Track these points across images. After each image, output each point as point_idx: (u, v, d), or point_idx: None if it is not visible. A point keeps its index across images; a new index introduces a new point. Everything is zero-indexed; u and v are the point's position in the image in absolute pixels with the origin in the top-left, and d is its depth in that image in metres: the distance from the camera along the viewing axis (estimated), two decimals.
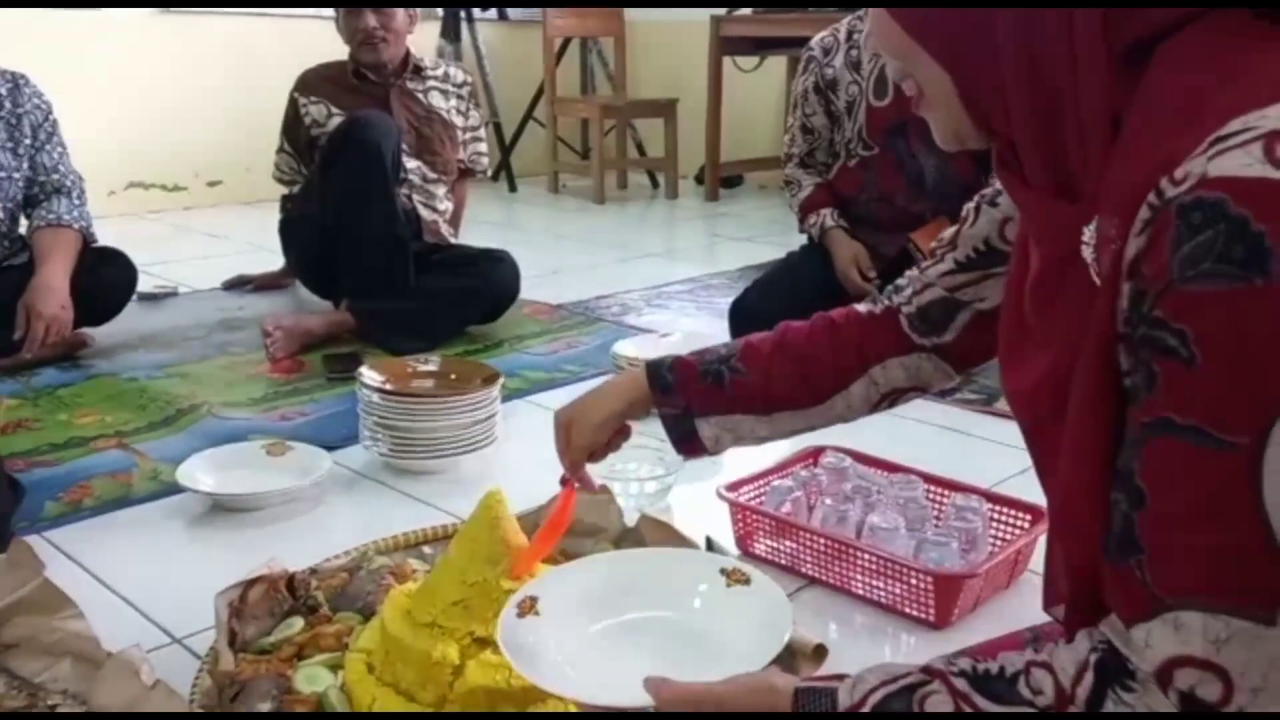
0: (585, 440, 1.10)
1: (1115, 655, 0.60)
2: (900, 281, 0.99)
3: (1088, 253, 0.64)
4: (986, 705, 0.61)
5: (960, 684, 0.63)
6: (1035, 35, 0.62)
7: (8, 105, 2.28)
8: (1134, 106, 0.61)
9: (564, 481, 1.13)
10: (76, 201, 2.36)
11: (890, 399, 1.00)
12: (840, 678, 0.69)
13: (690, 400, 1.01)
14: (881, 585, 1.31)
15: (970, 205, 0.93)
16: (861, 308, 1.01)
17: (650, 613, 0.95)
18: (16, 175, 2.29)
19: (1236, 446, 0.54)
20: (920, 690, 0.64)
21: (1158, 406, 0.57)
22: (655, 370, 1.03)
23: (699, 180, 5.04)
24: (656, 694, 0.74)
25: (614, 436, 1.11)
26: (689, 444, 1.04)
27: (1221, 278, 0.53)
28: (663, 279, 3.24)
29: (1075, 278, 0.65)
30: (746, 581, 0.93)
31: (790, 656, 1.04)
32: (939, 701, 0.63)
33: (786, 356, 0.99)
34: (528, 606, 0.93)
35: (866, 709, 0.64)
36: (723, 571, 0.95)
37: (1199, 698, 0.56)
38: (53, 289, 2.18)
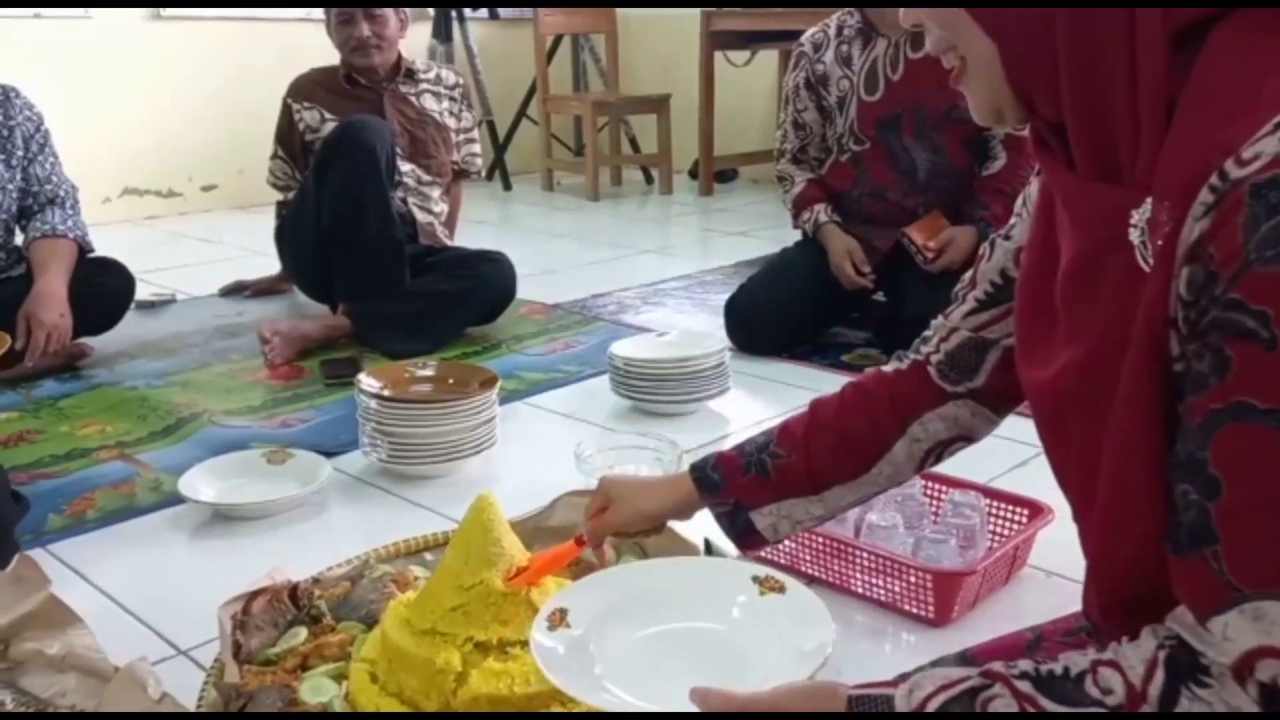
0: (624, 523, 1.08)
1: (1186, 650, 0.58)
2: (926, 333, 0.98)
3: (1135, 236, 0.62)
4: (1053, 707, 0.60)
5: (1024, 686, 0.61)
6: (1095, 11, 0.60)
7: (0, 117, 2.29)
8: (1187, 92, 0.59)
9: (579, 541, 1.11)
10: (70, 212, 2.37)
11: (936, 453, 0.98)
12: (894, 684, 0.68)
13: (740, 496, 1.01)
14: (881, 583, 1.32)
15: (985, 244, 0.92)
16: (888, 368, 0.99)
17: (688, 624, 0.93)
18: (10, 187, 2.29)
19: None
20: (983, 694, 0.62)
21: (1233, 391, 0.55)
22: (700, 472, 1.04)
23: (693, 175, 5.04)
24: (703, 702, 0.72)
25: (650, 530, 1.12)
26: (748, 538, 1.04)
27: None
28: (658, 276, 3.25)
29: (1116, 266, 0.64)
30: (781, 590, 0.91)
31: None
32: (1003, 704, 0.61)
33: (823, 432, 0.98)
34: (558, 619, 0.92)
35: (929, 711, 0.63)
36: (755, 579, 0.94)
37: None
38: (52, 297, 2.18)
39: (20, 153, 2.31)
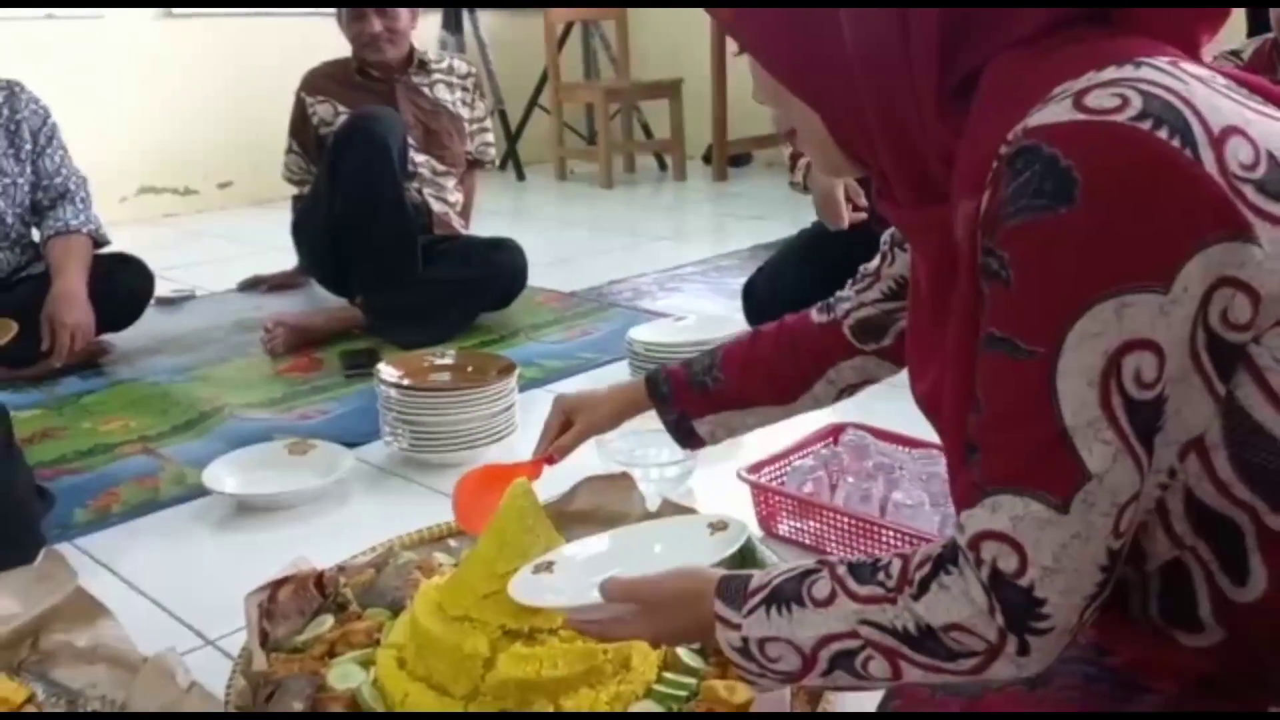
0: (592, 427, 1.27)
1: (954, 547, 0.67)
2: (842, 294, 1.13)
3: (959, 234, 0.71)
4: (853, 588, 0.70)
5: (840, 570, 0.72)
6: (883, 76, 0.71)
7: (5, 112, 2.31)
8: (971, 117, 0.69)
9: (549, 460, 1.27)
10: (81, 206, 2.38)
11: (848, 391, 1.17)
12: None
13: (685, 408, 1.19)
14: None
15: (885, 247, 1.07)
16: (815, 318, 1.15)
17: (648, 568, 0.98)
18: (21, 180, 2.31)
19: (1036, 354, 0.62)
20: (810, 576, 0.73)
21: (987, 324, 0.65)
22: (653, 384, 1.21)
23: (707, 160, 5.02)
24: (605, 590, 0.82)
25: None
26: (690, 440, 1.22)
27: (1033, 210, 0.61)
28: (674, 261, 3.24)
29: (957, 270, 0.72)
30: (725, 528, 1.00)
31: None
32: (822, 584, 0.72)
33: (757, 365, 1.16)
34: (543, 567, 0.99)
35: (766, 591, 0.74)
36: (709, 525, 1.02)
37: (999, 569, 0.64)
38: (72, 296, 2.20)
39: (29, 146, 2.33)
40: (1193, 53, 0.69)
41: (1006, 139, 0.64)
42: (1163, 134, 0.59)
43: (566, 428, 1.27)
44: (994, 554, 0.64)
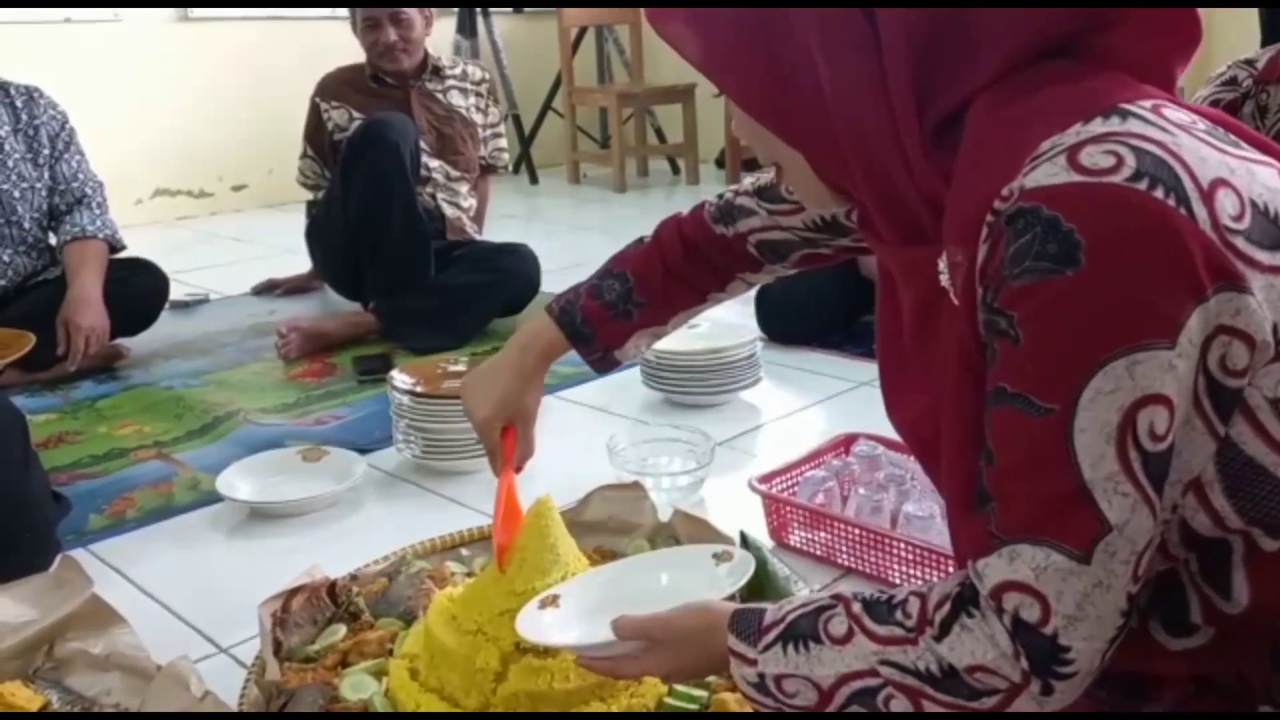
0: (531, 420, 1.17)
1: (973, 589, 0.68)
2: (742, 202, 1.10)
3: (944, 280, 0.73)
4: (870, 625, 0.71)
5: (856, 608, 0.73)
6: (861, 117, 0.72)
7: (24, 117, 2.33)
8: (959, 159, 0.70)
9: (518, 469, 1.16)
10: (98, 211, 2.40)
11: (756, 287, 1.21)
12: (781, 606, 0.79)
13: (608, 341, 1.14)
14: (919, 574, 1.31)
15: None
16: (715, 228, 1.12)
17: (645, 588, 1.00)
18: (39, 185, 2.33)
19: (1051, 411, 0.64)
20: (826, 613, 0.74)
21: (996, 378, 0.67)
22: (572, 327, 1.14)
23: (720, 164, 5.02)
24: (616, 626, 0.83)
25: None
26: (610, 368, 1.19)
27: (1038, 272, 0.63)
28: None
29: (944, 311, 0.74)
30: (730, 558, 1.01)
31: None
32: (837, 622, 0.73)
33: (677, 280, 1.13)
34: (549, 601, 0.99)
35: (781, 627, 0.75)
36: (714, 555, 1.03)
37: (1023, 619, 0.65)
38: (87, 301, 2.22)
39: (46, 151, 2.35)
40: (1169, 86, 0.71)
41: (1001, 194, 0.65)
42: (1159, 194, 0.61)
43: (505, 430, 1.16)
44: (1016, 604, 0.65)
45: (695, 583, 0.97)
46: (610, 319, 1.14)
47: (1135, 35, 0.70)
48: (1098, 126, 0.64)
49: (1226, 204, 0.63)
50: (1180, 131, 0.64)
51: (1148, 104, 0.66)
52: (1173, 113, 0.66)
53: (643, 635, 0.82)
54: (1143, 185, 0.61)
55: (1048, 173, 0.63)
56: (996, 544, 0.66)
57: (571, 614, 0.97)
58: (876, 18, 0.70)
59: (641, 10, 5.01)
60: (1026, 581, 0.65)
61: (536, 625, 0.95)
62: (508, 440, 1.15)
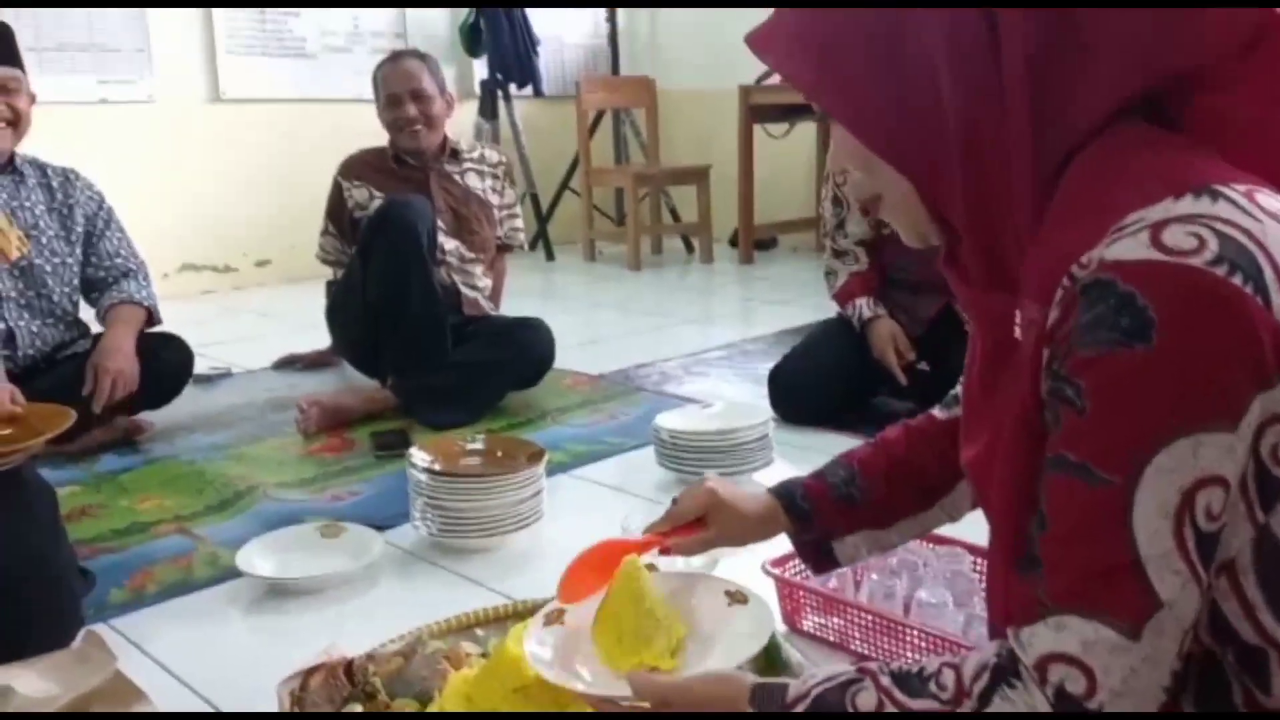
0: (724, 540, 1.10)
1: (1011, 657, 0.68)
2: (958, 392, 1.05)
3: (1018, 334, 0.74)
4: (902, 698, 0.70)
5: (885, 681, 0.72)
6: (978, 136, 0.72)
7: (59, 196, 2.42)
8: (1052, 208, 0.71)
9: (666, 550, 1.09)
10: (144, 282, 2.50)
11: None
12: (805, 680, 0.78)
13: (827, 524, 1.08)
14: None
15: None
16: (940, 414, 1.08)
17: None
18: (70, 260, 2.41)
19: (1112, 483, 0.64)
20: (854, 687, 0.73)
21: (1058, 445, 0.67)
22: (789, 500, 1.09)
23: (733, 244, 5.10)
24: (633, 684, 0.83)
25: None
26: (822, 563, 1.12)
27: (1109, 344, 0.63)
28: (701, 345, 3.28)
29: (1013, 360, 0.75)
30: (745, 601, 0.99)
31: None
32: (866, 696, 0.72)
33: (902, 466, 1.06)
34: (555, 616, 1.00)
35: (807, 702, 0.74)
36: (727, 593, 1.02)
37: (1067, 691, 0.65)
38: (118, 348, 2.29)
39: (80, 229, 2.43)
40: (1275, 157, 0.69)
41: (1080, 261, 0.65)
42: (1237, 280, 0.62)
43: (698, 519, 1.09)
44: (1061, 676, 0.65)
45: (704, 612, 0.98)
46: (831, 500, 1.07)
47: (1250, 99, 0.70)
48: (1186, 205, 0.64)
49: None
50: (1269, 220, 0.64)
51: (1242, 188, 0.65)
52: (1266, 199, 0.65)
53: (659, 699, 0.82)
54: (1221, 270, 0.61)
55: (1129, 248, 0.63)
56: (1043, 612, 0.66)
57: (575, 631, 0.98)
58: (1000, 31, 0.70)
59: (658, 95, 5.15)
60: (1074, 654, 0.64)
61: (547, 654, 0.95)
62: (686, 527, 1.09)
